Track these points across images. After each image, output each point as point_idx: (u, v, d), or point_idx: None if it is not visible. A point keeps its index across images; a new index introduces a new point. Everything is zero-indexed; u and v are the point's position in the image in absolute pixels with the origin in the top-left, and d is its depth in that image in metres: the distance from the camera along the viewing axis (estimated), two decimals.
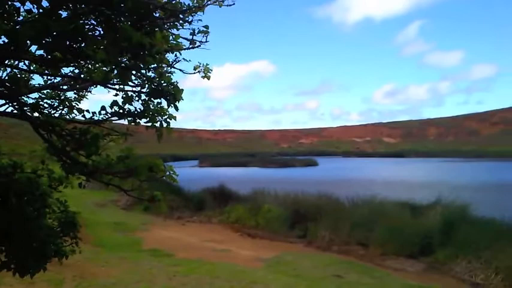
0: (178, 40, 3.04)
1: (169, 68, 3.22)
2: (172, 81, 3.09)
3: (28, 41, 2.36)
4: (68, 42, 2.40)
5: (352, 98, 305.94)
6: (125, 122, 3.15)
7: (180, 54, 3.17)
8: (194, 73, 3.27)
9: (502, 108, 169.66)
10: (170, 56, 3.15)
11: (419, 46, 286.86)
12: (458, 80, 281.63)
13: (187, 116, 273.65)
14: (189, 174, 43.36)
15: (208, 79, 3.28)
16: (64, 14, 2.42)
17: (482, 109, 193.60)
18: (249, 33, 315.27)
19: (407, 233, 12.49)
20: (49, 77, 3.33)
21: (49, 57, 2.58)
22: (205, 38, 3.11)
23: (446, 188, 23.23)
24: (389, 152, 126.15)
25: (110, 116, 3.12)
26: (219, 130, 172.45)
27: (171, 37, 2.96)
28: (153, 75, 3.04)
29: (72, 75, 3.25)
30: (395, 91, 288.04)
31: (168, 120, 3.07)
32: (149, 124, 3.04)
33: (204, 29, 3.05)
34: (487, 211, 14.49)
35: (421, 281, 10.02)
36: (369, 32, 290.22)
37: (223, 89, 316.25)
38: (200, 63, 3.25)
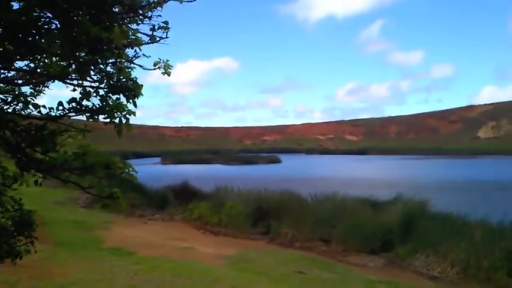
0: (137, 35, 2.98)
1: (129, 64, 3.16)
2: (132, 76, 3.05)
3: None
4: (20, 35, 2.32)
5: (315, 96, 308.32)
6: (83, 118, 3.09)
7: (140, 50, 3.12)
8: (154, 69, 3.22)
9: (460, 107, 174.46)
10: (130, 52, 3.10)
11: (381, 45, 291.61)
12: (418, 79, 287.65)
13: (149, 112, 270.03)
14: (152, 172, 42.90)
15: (169, 75, 3.23)
16: (16, 5, 2.34)
17: (441, 107, 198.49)
18: (211, 30, 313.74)
19: (369, 229, 12.70)
20: (2, 71, 3.22)
21: (0, 49, 2.49)
22: (165, 33, 3.07)
23: (406, 184, 23.78)
24: (352, 149, 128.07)
25: (67, 111, 3.04)
26: (182, 127, 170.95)
27: (130, 32, 2.91)
28: (112, 70, 2.98)
29: (28, 69, 3.15)
30: (357, 89, 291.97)
31: (127, 116, 3.02)
32: (108, 120, 2.98)
33: (164, 25, 3.01)
34: (444, 207, 14.89)
35: (381, 276, 10.20)
36: (332, 30, 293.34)
37: (186, 86, 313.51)
38: (160, 59, 3.20)
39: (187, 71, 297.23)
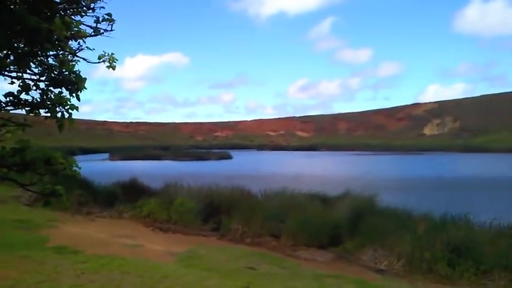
0: (80, 27, 2.88)
1: (72, 57, 3.05)
2: (76, 70, 2.94)
3: None
4: None
5: (266, 92, 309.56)
6: (23, 112, 2.96)
7: (84, 42, 3.02)
8: (99, 62, 3.13)
9: (407, 105, 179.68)
10: (73, 44, 2.99)
11: (331, 42, 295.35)
12: (367, 77, 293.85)
13: (97, 107, 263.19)
14: (100, 168, 41.94)
15: (114, 69, 3.15)
16: None
17: (388, 105, 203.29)
18: (161, 24, 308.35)
19: (318, 224, 12.86)
20: None
21: None
22: (110, 26, 2.98)
23: (355, 180, 24.28)
24: (302, 145, 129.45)
25: (4, 105, 2.90)
26: (131, 122, 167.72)
27: (73, 24, 2.80)
28: (53, 63, 2.87)
29: None
30: (308, 86, 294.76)
31: (70, 110, 2.92)
32: (49, 115, 2.87)
33: (108, 17, 2.92)
34: (391, 202, 15.29)
35: (329, 270, 10.36)
36: (283, 26, 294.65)
37: (135, 81, 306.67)
38: (105, 53, 3.11)
39: (137, 66, 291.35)
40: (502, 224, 11.78)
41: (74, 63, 2.92)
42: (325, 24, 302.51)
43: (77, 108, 2.93)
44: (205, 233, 14.57)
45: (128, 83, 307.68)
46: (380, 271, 10.53)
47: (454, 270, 9.89)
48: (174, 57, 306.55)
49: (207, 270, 9.34)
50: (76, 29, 2.80)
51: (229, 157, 71.38)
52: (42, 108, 2.83)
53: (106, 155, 73.01)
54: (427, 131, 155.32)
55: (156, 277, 8.29)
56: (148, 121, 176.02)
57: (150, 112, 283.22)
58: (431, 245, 10.45)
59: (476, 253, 10.13)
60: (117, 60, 3.11)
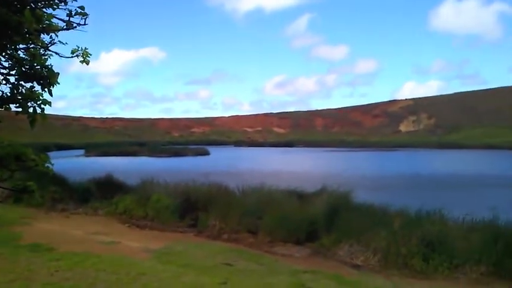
0: (52, 20, 2.81)
1: (44, 50, 2.98)
2: (48, 64, 2.87)
3: None
4: None
5: (244, 88, 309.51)
6: None
7: (57, 36, 2.95)
8: (72, 57, 3.06)
9: (382, 102, 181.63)
10: (46, 38, 2.91)
11: (308, 39, 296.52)
12: (343, 74, 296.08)
13: (73, 103, 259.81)
14: (75, 164, 41.44)
15: (87, 64, 3.08)
16: None
17: (365, 102, 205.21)
18: (138, 19, 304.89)
19: (295, 220, 12.90)
20: None
21: None
22: (83, 20, 2.92)
23: (332, 176, 24.44)
24: (279, 141, 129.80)
25: None
26: (107, 118, 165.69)
27: (44, 17, 2.73)
28: (24, 56, 2.80)
29: None
30: (285, 82, 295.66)
31: (42, 106, 2.85)
32: (20, 109, 2.80)
33: (81, 11, 2.85)
34: (367, 198, 15.44)
35: (306, 265, 10.41)
36: (260, 22, 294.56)
37: (111, 76, 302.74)
38: (78, 47, 3.04)
39: (113, 61, 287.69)
40: (474, 219, 11.98)
41: (46, 57, 2.85)
42: (302, 21, 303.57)
43: (49, 104, 2.86)
44: (182, 229, 14.49)
45: (103, 78, 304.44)
46: (356, 266, 10.62)
47: (428, 264, 10.04)
48: (150, 52, 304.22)
49: (184, 267, 9.30)
50: (47, 22, 2.73)
51: (206, 153, 71.19)
52: (13, 103, 2.76)
53: (81, 151, 72.08)
54: (402, 127, 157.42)
55: (132, 274, 8.21)
56: (124, 117, 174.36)
57: (127, 108, 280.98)
58: (407, 241, 10.58)
59: (450, 248, 10.30)
60: (90, 55, 3.04)
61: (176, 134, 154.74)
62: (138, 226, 14.85)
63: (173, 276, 8.34)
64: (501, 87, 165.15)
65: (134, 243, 12.04)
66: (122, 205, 16.30)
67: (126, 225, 15.01)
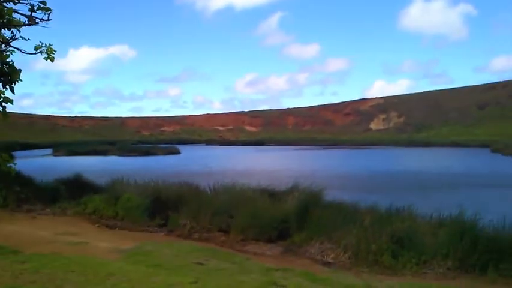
0: (13, 15, 2.71)
1: (5, 46, 2.88)
2: (9, 60, 2.78)
3: None
4: None
5: (215, 87, 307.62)
6: None
7: (19, 32, 2.85)
8: (35, 53, 2.96)
9: (353, 100, 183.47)
10: (7, 33, 2.82)
11: (280, 37, 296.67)
12: (315, 72, 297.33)
13: (40, 101, 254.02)
14: (42, 163, 40.67)
15: (52, 60, 2.99)
16: None
17: (336, 100, 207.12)
18: (107, 16, 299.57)
19: (266, 218, 12.91)
20: None
21: None
22: (47, 15, 2.83)
23: (304, 174, 24.57)
24: (251, 140, 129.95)
25: None
26: (75, 117, 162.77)
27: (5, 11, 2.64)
28: None
29: None
30: (256, 81, 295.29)
31: (3, 104, 2.76)
32: None
33: (42, 5, 2.77)
34: (338, 195, 15.58)
35: (278, 263, 10.43)
36: (231, 21, 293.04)
37: (80, 74, 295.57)
38: (42, 43, 2.95)
39: (81, 58, 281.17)
40: (442, 215, 12.23)
41: (7, 53, 2.76)
42: (274, 20, 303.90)
43: (11, 101, 2.77)
44: (153, 229, 14.36)
45: (72, 76, 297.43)
46: (327, 264, 10.70)
47: (397, 261, 10.18)
48: (120, 50, 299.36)
49: (154, 267, 9.19)
50: (8, 17, 2.63)
51: (177, 152, 70.85)
52: None
53: (49, 151, 70.75)
54: (373, 126, 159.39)
55: (101, 275, 8.08)
56: (94, 115, 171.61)
57: (96, 106, 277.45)
58: (377, 237, 10.70)
59: (418, 244, 10.48)
60: (55, 51, 2.95)
61: (146, 133, 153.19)
62: (107, 226, 14.65)
63: (143, 276, 8.24)
64: (467, 86, 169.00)
65: (103, 243, 11.85)
66: (91, 205, 16.04)
67: (96, 225, 14.79)
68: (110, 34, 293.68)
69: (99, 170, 33.78)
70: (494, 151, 71.04)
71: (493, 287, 8.90)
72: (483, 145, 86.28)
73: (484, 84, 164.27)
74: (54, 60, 2.96)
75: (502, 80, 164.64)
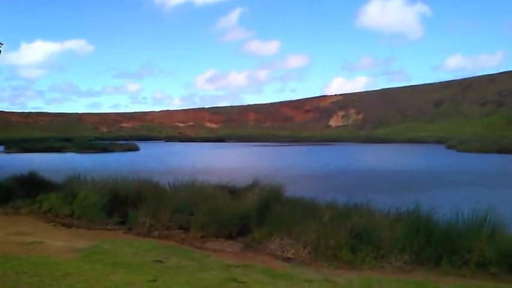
0: None
1: None
2: None
3: None
4: None
5: (174, 83, 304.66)
6: None
7: None
8: None
9: (313, 97, 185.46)
10: None
11: (240, 33, 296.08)
12: (275, 69, 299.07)
13: None
14: None
15: None
16: None
17: (296, 97, 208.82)
18: (63, 10, 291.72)
19: (226, 214, 12.88)
20: None
21: None
22: None
23: (263, 170, 24.59)
24: (211, 136, 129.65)
25: None
26: (30, 113, 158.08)
27: None
28: None
29: None
30: (216, 77, 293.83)
31: None
32: None
33: None
34: (299, 191, 15.69)
35: (238, 260, 10.42)
36: (191, 16, 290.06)
37: (34, 68, 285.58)
38: None
39: (35, 52, 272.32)
40: (399, 211, 12.49)
41: None
42: (234, 15, 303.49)
43: None
44: (111, 227, 14.08)
45: (25, 70, 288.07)
46: (287, 259, 10.75)
47: (356, 255, 10.33)
48: (77, 45, 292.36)
49: (112, 265, 9.01)
50: None
51: (136, 149, 69.94)
52: None
53: (1, 148, 68.47)
54: (332, 122, 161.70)
55: (56, 275, 7.85)
56: (49, 111, 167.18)
57: (52, 102, 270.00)
58: (336, 232, 10.83)
59: (376, 238, 10.67)
60: (1, 44, 2.81)
61: (104, 129, 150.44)
62: (64, 225, 14.26)
63: (101, 275, 8.06)
64: (424, 84, 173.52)
65: (59, 242, 11.54)
66: (47, 203, 15.59)
67: (51, 224, 14.38)
68: (67, 28, 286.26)
69: (55, 167, 32.94)
70: (449, 147, 73.46)
71: (446, 278, 9.14)
72: (439, 141, 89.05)
73: (440, 82, 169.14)
74: (1, 53, 2.83)
75: (457, 78, 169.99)
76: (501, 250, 9.59)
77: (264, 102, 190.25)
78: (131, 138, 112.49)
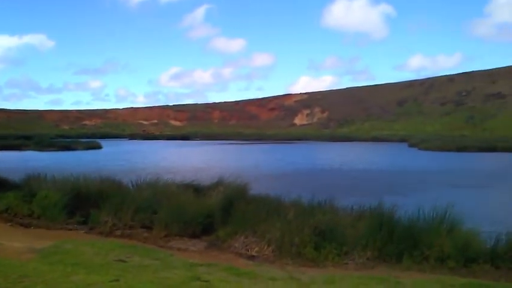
0: None
1: None
2: None
3: None
4: None
5: (138, 80, 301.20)
6: None
7: None
8: None
9: (278, 95, 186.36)
10: None
11: (205, 30, 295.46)
12: (240, 67, 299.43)
13: None
14: None
15: None
16: None
17: (261, 95, 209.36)
18: (21, 2, 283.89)
19: (191, 213, 12.79)
20: None
21: None
22: None
23: (228, 168, 24.58)
24: (176, 134, 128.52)
25: None
26: None
27: None
28: None
29: None
30: (181, 75, 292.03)
31: None
32: None
33: None
34: (263, 189, 15.72)
35: (202, 259, 10.34)
36: (155, 12, 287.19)
37: None
38: None
39: None
40: (362, 208, 12.66)
41: None
42: (199, 12, 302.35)
43: None
44: (72, 226, 13.76)
45: None
46: (251, 257, 10.75)
47: (320, 253, 10.41)
48: (37, 39, 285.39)
49: (72, 266, 8.79)
50: None
51: (98, 147, 68.77)
52: None
53: None
54: (297, 121, 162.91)
55: (13, 277, 7.59)
56: (7, 108, 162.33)
57: (10, 98, 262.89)
58: (300, 230, 10.88)
59: (340, 236, 10.77)
60: None
61: (66, 127, 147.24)
62: (22, 225, 13.86)
63: (60, 276, 7.86)
64: (387, 83, 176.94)
65: (17, 243, 11.19)
66: (4, 203, 15.10)
67: (9, 224, 13.95)
68: (25, 22, 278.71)
69: (14, 165, 32.07)
70: (411, 145, 75.31)
71: (407, 273, 9.31)
72: (402, 140, 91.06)
73: (403, 82, 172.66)
74: None
75: (419, 78, 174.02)
76: (458, 245, 9.91)
77: (230, 101, 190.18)
78: (94, 136, 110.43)
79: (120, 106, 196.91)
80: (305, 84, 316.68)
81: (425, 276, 9.05)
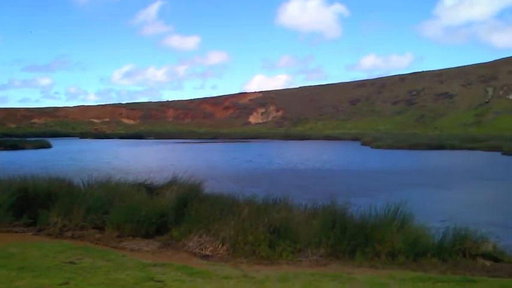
0: None
1: None
2: None
3: None
4: None
5: (89, 77, 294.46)
6: None
7: None
8: None
9: (233, 94, 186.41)
10: None
11: (159, 28, 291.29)
12: (195, 65, 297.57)
13: None
14: None
15: None
16: None
17: (216, 94, 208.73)
18: None
19: (143, 213, 12.58)
20: None
21: None
22: None
23: (182, 167, 24.36)
24: (129, 133, 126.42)
25: None
26: None
27: None
28: None
29: None
30: (134, 72, 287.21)
31: None
32: None
33: None
34: (217, 188, 15.63)
35: (156, 259, 10.22)
36: (108, 7, 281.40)
37: None
38: None
39: None
40: (315, 206, 12.78)
41: None
42: (153, 9, 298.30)
43: None
44: (19, 228, 13.25)
45: None
46: (205, 257, 10.68)
47: (274, 250, 10.45)
48: None
49: (18, 270, 8.47)
50: None
51: (48, 146, 66.79)
52: None
53: None
54: (252, 119, 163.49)
55: None
56: None
57: None
58: (254, 228, 10.90)
59: (293, 233, 10.86)
60: None
61: (13, 125, 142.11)
62: None
63: (4, 281, 7.57)
64: (340, 82, 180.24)
65: None
66: None
67: None
68: None
69: None
70: (364, 144, 77.03)
71: (359, 269, 9.50)
72: (355, 138, 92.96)
73: (355, 81, 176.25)
74: None
75: (370, 78, 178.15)
76: (409, 240, 10.21)
77: (184, 99, 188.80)
78: (43, 134, 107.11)
79: (71, 104, 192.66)
80: (260, 83, 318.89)
81: (377, 272, 9.24)
